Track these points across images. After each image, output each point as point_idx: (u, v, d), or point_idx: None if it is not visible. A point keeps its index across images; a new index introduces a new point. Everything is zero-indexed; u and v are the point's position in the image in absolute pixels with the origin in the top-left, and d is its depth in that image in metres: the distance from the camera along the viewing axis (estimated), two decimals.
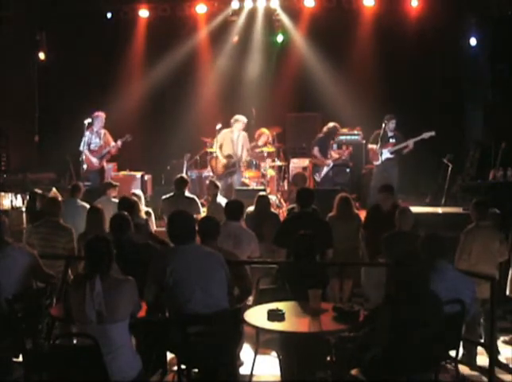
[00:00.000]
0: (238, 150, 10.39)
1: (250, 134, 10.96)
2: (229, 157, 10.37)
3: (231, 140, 10.42)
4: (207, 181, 9.17)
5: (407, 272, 3.99)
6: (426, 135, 9.91)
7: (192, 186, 9.54)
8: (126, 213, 5.59)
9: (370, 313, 4.23)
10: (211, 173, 10.66)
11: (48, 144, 11.93)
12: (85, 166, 10.45)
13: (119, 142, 10.48)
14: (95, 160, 10.47)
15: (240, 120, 10.40)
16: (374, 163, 10.33)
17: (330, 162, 10.49)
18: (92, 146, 10.48)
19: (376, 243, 6.46)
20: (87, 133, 10.44)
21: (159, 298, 4.56)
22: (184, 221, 4.71)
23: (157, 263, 4.62)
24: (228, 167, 10.36)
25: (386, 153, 10.11)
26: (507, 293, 6.23)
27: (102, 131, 10.54)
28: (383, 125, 10.07)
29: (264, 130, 10.99)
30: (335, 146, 11.22)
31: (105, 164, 10.70)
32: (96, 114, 10.52)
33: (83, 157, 10.44)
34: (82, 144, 10.39)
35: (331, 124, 10.54)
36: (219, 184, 8.68)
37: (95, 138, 10.48)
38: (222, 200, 8.18)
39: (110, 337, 4.00)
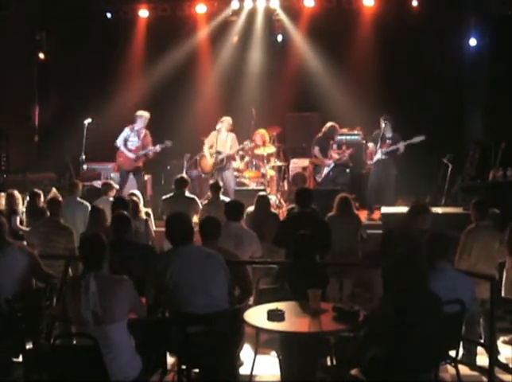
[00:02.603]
0: (226, 149, 10.39)
1: (249, 135, 10.96)
2: (217, 153, 10.36)
3: (220, 140, 10.42)
4: (210, 181, 9.15)
5: (406, 272, 3.98)
6: (416, 140, 9.82)
7: (191, 186, 9.52)
8: (126, 213, 5.60)
9: (369, 313, 4.23)
10: (202, 175, 10.73)
11: (48, 144, 11.92)
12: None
13: (158, 148, 10.05)
14: (132, 155, 10.03)
15: (225, 121, 10.40)
16: (368, 162, 10.30)
17: (330, 162, 10.48)
18: (129, 145, 10.04)
19: None
20: (127, 129, 10.06)
21: (158, 299, 4.57)
22: (181, 222, 4.73)
23: (156, 265, 4.63)
24: (216, 164, 10.35)
25: (379, 154, 10.07)
26: (503, 294, 6.23)
27: (143, 132, 10.11)
28: (382, 125, 10.06)
29: (260, 129, 11.01)
30: (335, 146, 11.19)
31: (141, 164, 10.21)
32: (140, 113, 10.07)
33: (117, 153, 10.07)
34: (119, 139, 10.01)
35: (328, 124, 10.47)
36: (221, 184, 8.67)
37: (134, 137, 10.05)
38: (224, 201, 8.16)
39: (110, 337, 4.00)
